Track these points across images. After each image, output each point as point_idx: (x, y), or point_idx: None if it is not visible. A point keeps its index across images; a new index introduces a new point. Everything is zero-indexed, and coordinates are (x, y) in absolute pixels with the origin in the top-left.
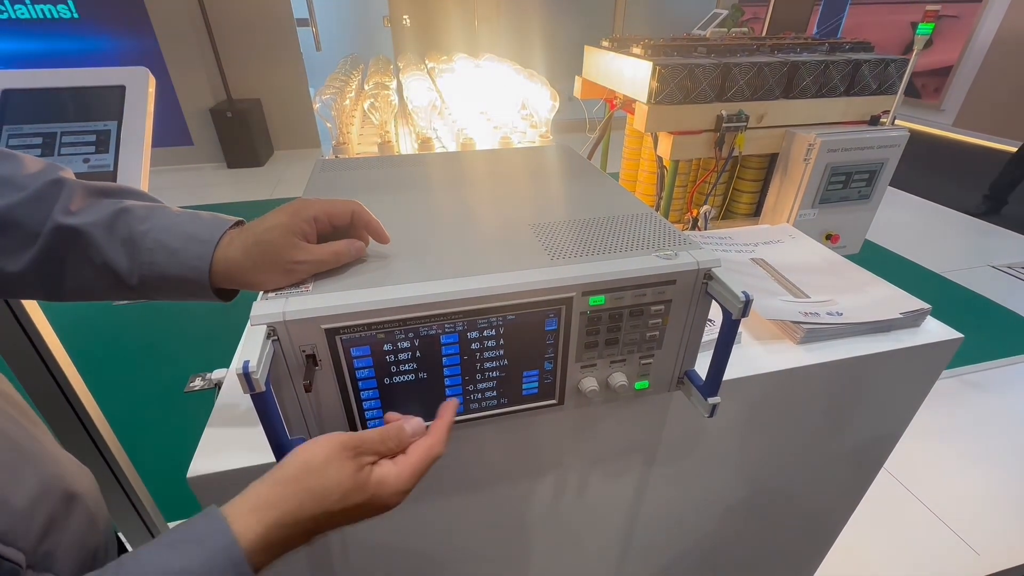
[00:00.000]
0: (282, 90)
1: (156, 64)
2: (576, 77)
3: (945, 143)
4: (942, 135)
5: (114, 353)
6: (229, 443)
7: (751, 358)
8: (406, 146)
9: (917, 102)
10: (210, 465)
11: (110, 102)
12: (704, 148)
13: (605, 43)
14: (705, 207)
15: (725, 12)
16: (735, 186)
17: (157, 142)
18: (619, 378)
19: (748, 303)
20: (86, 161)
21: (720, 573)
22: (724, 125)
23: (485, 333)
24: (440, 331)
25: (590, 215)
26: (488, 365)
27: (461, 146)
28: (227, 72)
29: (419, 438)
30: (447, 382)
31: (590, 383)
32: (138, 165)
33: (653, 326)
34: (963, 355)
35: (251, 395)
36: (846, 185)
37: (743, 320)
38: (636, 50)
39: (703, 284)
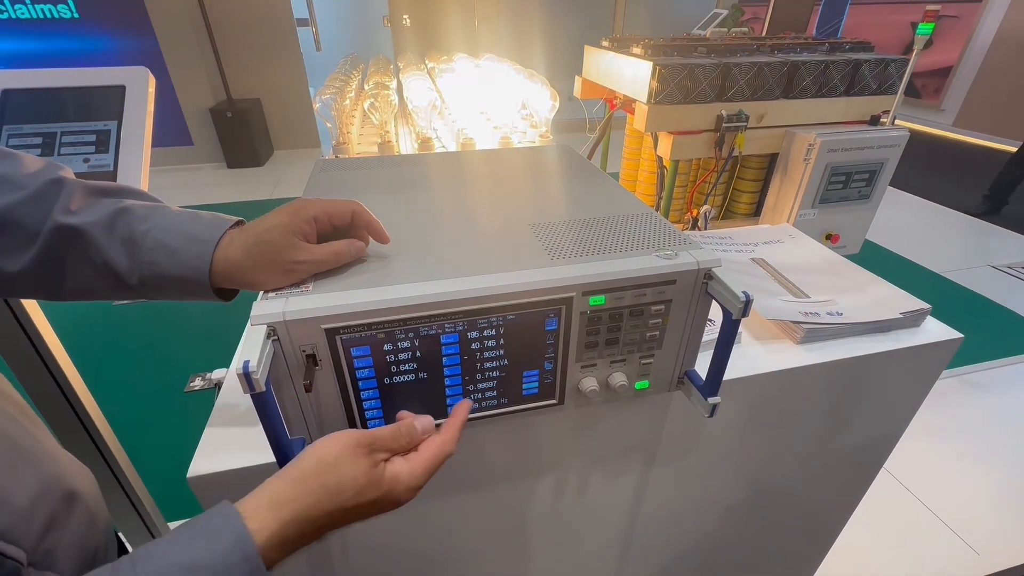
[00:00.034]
0: (282, 90)
1: (156, 64)
2: (576, 77)
3: (945, 143)
4: (942, 135)
5: (114, 353)
6: (229, 443)
7: (751, 358)
8: (406, 146)
9: (917, 102)
10: (210, 465)
11: (110, 102)
12: (704, 148)
13: (605, 43)
14: (705, 207)
15: (725, 12)
16: (735, 186)
17: (157, 142)
18: (619, 378)
19: (748, 303)
20: (86, 161)
21: (720, 573)
22: (724, 125)
23: (485, 333)
24: (440, 331)
25: (590, 215)
26: (488, 365)
27: (461, 146)
28: (227, 72)
29: (429, 435)
30: (447, 382)
31: (590, 383)
32: (138, 165)
33: (653, 326)
34: (963, 355)
35: (251, 395)
36: (846, 185)
37: (743, 320)
38: (636, 50)
39: (703, 284)
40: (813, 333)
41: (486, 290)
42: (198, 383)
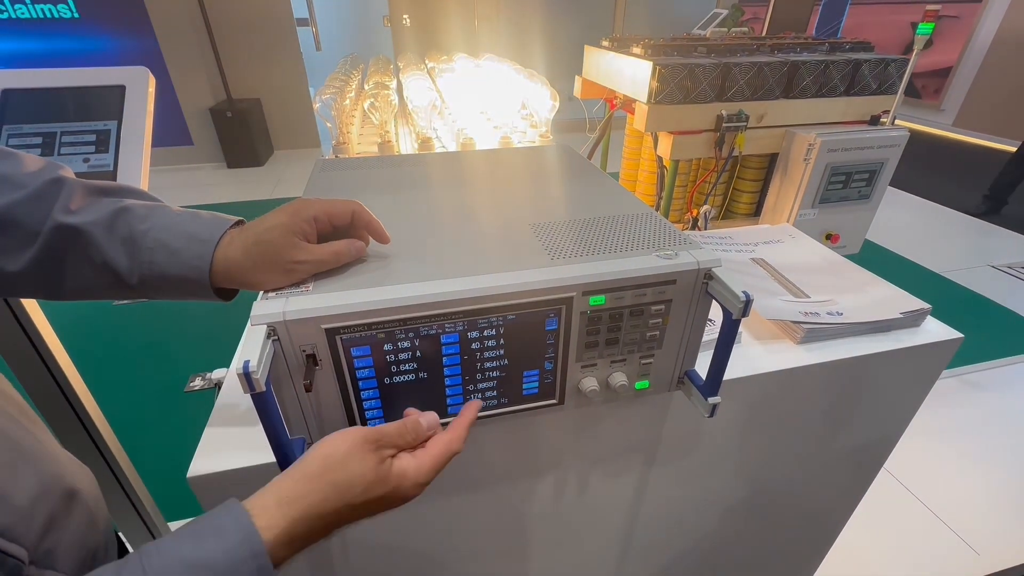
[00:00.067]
0: (282, 90)
1: (156, 64)
2: (576, 77)
3: (945, 143)
4: (942, 135)
5: (114, 353)
6: (229, 443)
7: (751, 358)
8: (406, 146)
9: (917, 102)
10: (210, 465)
11: (110, 102)
12: (704, 148)
13: (605, 43)
14: (705, 207)
15: (725, 12)
16: (735, 186)
17: (157, 142)
18: (619, 378)
19: (748, 303)
20: (86, 161)
21: (720, 573)
22: (724, 125)
23: (485, 333)
24: (440, 331)
25: (590, 215)
26: (488, 365)
27: (461, 146)
28: (227, 72)
29: (434, 432)
30: (447, 382)
31: (590, 383)
32: (138, 165)
33: (653, 326)
34: (963, 355)
35: (251, 395)
36: (846, 185)
37: (743, 320)
38: (636, 50)
39: (703, 284)
40: (813, 333)
41: (486, 290)
42: (198, 383)
